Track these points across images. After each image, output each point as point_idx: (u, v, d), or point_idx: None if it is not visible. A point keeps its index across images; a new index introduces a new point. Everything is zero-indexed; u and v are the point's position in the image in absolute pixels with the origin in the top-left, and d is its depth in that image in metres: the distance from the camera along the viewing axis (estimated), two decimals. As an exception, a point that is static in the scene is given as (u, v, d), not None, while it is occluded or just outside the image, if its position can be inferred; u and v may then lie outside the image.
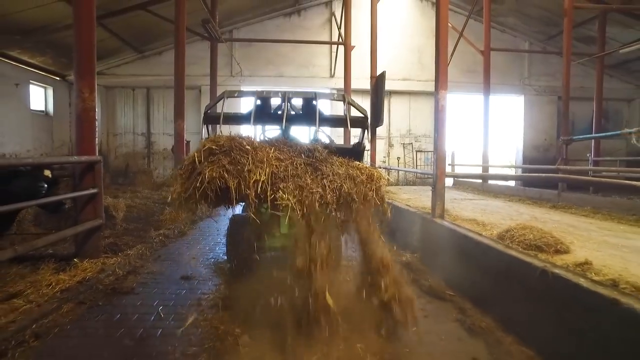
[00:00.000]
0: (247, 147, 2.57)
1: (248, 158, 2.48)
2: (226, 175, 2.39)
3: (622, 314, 1.94)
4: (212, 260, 4.59)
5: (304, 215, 2.41)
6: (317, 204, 2.44)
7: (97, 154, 4.01)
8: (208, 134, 3.43)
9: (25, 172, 3.63)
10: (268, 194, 2.42)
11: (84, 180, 3.86)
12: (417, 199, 7.33)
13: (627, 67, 14.41)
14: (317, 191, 2.47)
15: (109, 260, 3.97)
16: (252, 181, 2.40)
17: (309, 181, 2.52)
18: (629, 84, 15.12)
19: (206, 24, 8.27)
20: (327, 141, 3.43)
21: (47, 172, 3.76)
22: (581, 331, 2.22)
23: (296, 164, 2.62)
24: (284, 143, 2.89)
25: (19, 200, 3.27)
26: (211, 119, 3.59)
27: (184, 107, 7.98)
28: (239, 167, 2.45)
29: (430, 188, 4.66)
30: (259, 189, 2.41)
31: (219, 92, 10.42)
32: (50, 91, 12.47)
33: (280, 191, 2.42)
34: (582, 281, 2.30)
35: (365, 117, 3.63)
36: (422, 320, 2.85)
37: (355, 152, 3.40)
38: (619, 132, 6.61)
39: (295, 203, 2.38)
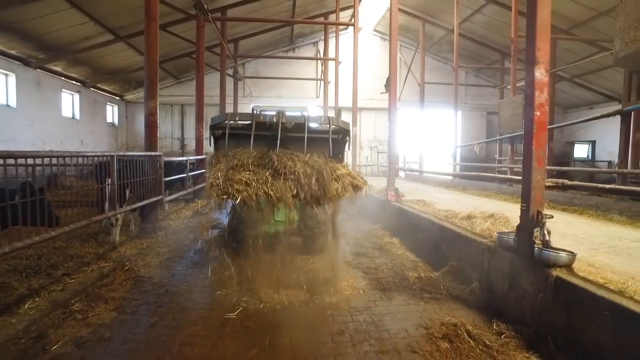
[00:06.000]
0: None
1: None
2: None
3: (388, 204, 7.10)
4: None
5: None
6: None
7: (203, 154, 9.09)
8: (214, 139, 4.84)
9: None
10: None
11: (199, 166, 8.94)
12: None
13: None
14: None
15: (206, 201, 9.07)
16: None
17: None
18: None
19: (235, 73, 13.28)
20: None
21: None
22: (381, 211, 7.37)
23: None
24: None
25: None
26: (218, 128, 4.55)
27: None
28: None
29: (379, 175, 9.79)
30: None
31: (239, 109, 15.59)
32: (115, 108, 17.48)
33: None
34: (377, 195, 7.43)
35: (347, 129, 4.57)
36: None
37: (340, 143, 4.73)
38: (474, 142, 11.73)
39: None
